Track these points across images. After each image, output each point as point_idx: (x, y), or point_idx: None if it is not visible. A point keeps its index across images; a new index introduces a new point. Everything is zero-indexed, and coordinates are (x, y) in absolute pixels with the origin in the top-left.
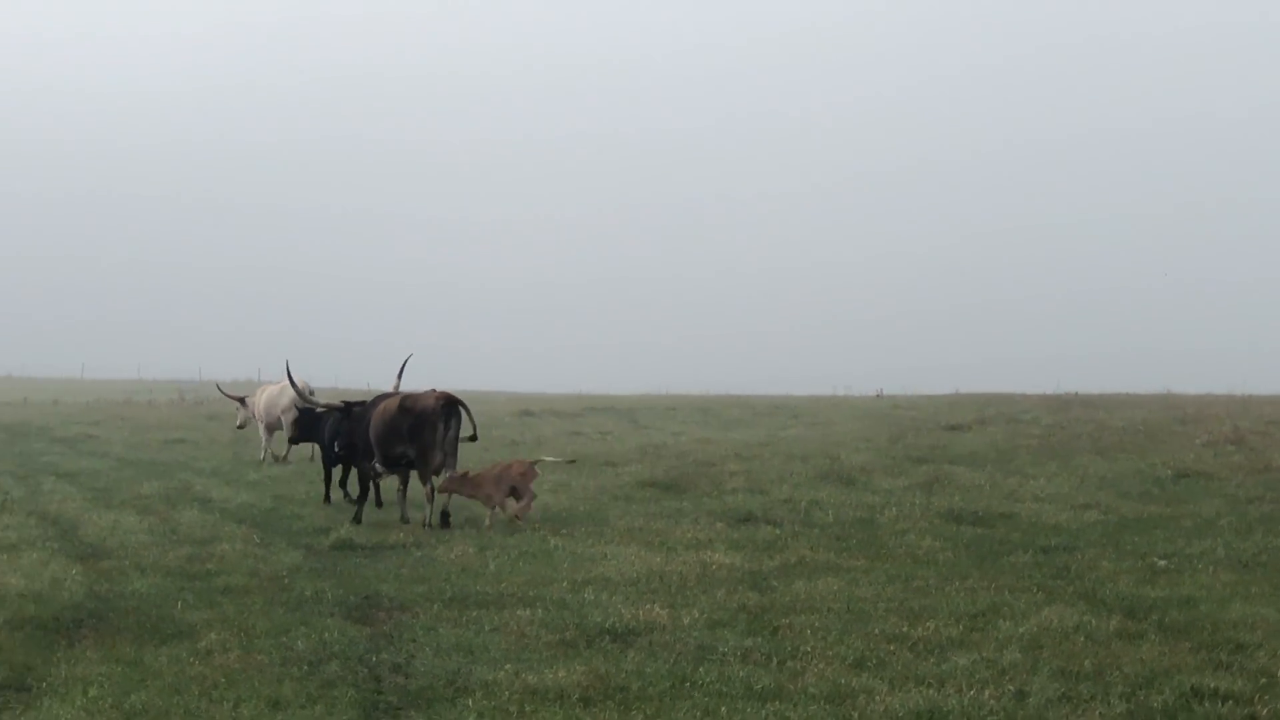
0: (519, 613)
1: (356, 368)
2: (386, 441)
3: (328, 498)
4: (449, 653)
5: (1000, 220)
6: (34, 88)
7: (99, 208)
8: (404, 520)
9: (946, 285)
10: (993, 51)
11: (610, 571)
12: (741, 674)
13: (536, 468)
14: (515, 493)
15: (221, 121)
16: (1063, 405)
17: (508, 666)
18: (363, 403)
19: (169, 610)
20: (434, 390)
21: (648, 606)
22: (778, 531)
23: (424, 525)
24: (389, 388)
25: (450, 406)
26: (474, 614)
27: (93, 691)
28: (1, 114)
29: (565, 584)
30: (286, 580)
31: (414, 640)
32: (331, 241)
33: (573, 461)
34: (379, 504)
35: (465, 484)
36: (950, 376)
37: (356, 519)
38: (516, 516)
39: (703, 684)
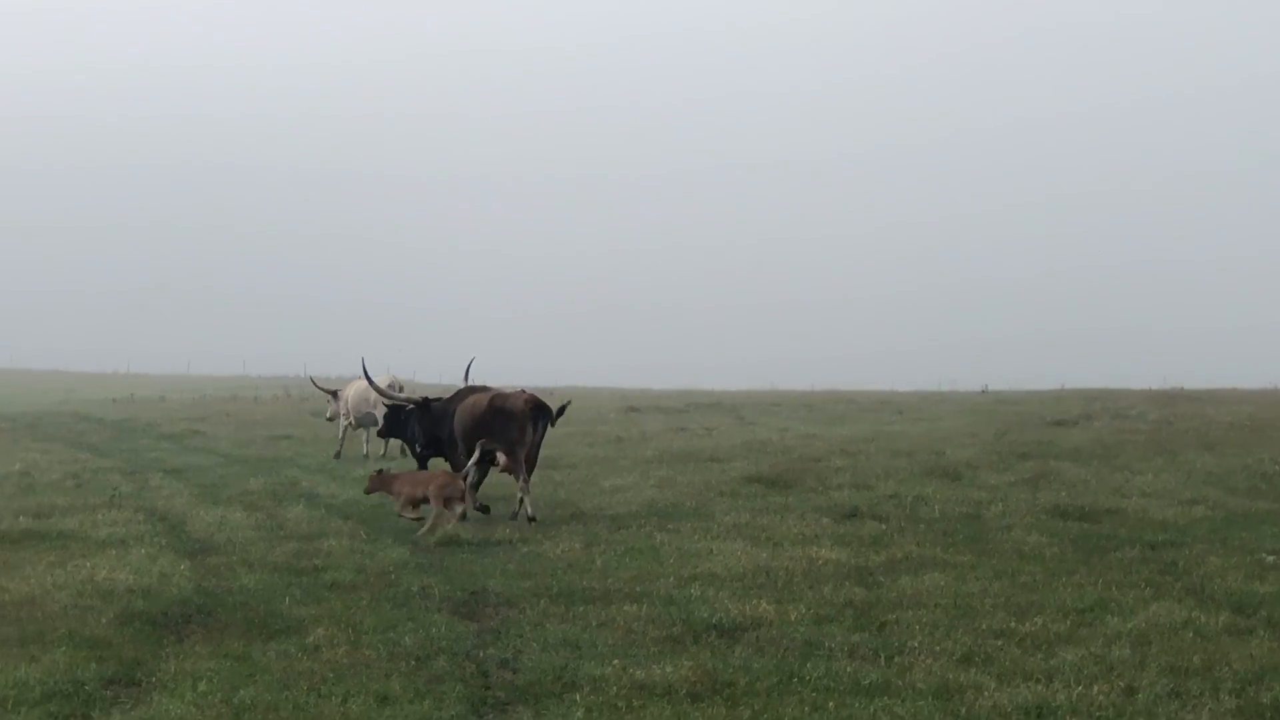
0: (626, 608)
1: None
2: (472, 438)
3: None
4: (556, 648)
5: (1107, 211)
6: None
7: (205, 208)
8: (479, 509)
9: (1050, 281)
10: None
11: (717, 567)
12: (849, 669)
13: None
14: (448, 503)
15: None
16: (1168, 400)
17: (615, 662)
18: (440, 398)
19: (276, 606)
20: (523, 391)
21: (754, 602)
22: (883, 527)
23: (510, 517)
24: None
25: (539, 409)
26: (581, 609)
27: (202, 686)
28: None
29: (672, 580)
30: (393, 576)
31: (521, 636)
32: (437, 239)
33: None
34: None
35: (382, 482)
36: (1055, 372)
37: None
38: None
39: (810, 679)
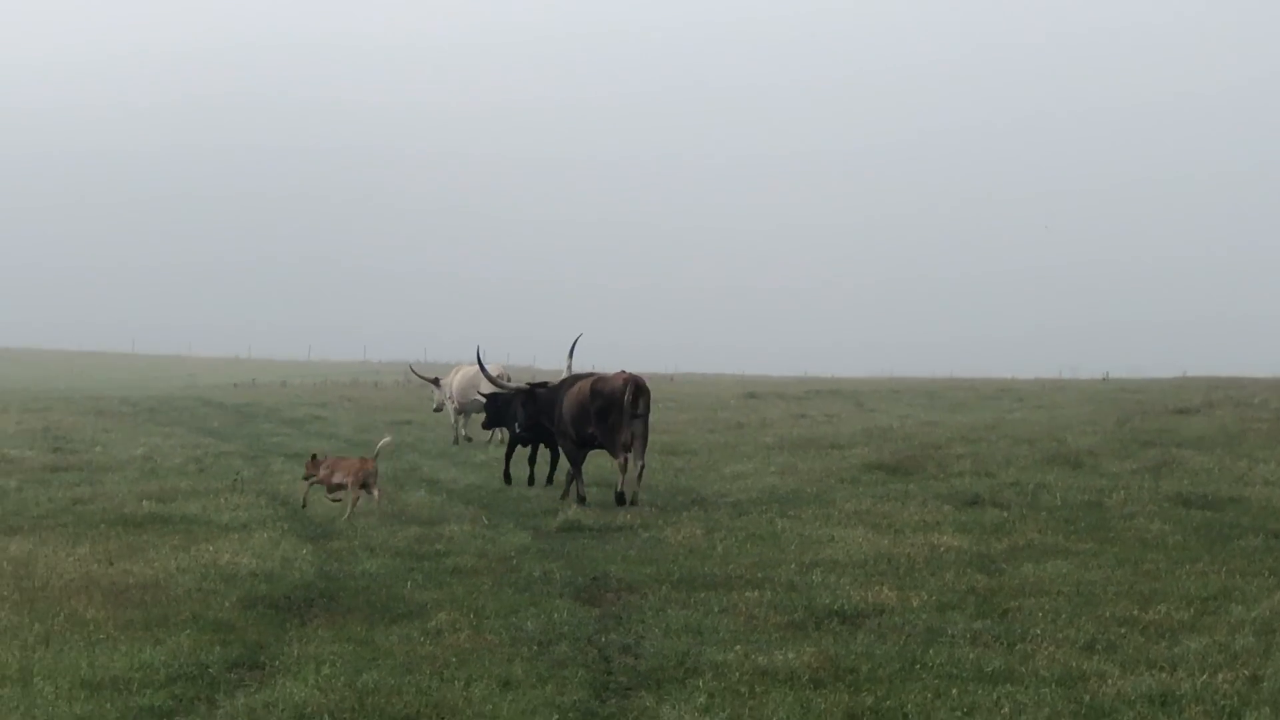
0: (747, 594)
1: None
2: (579, 421)
3: (507, 477)
4: (678, 634)
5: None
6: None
7: (348, 198)
8: (581, 499)
9: (1172, 268)
10: None
11: (838, 554)
12: (971, 656)
13: (377, 464)
14: (366, 486)
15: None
16: None
17: (737, 648)
18: (545, 384)
19: (399, 590)
20: (622, 372)
21: (876, 588)
22: (1005, 514)
23: (619, 499)
24: (563, 369)
25: (637, 389)
26: (702, 595)
27: (325, 670)
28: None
29: (793, 566)
30: (515, 561)
31: (643, 621)
32: (563, 229)
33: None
34: (548, 481)
35: (313, 467)
36: (1177, 359)
37: (566, 495)
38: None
39: (933, 666)
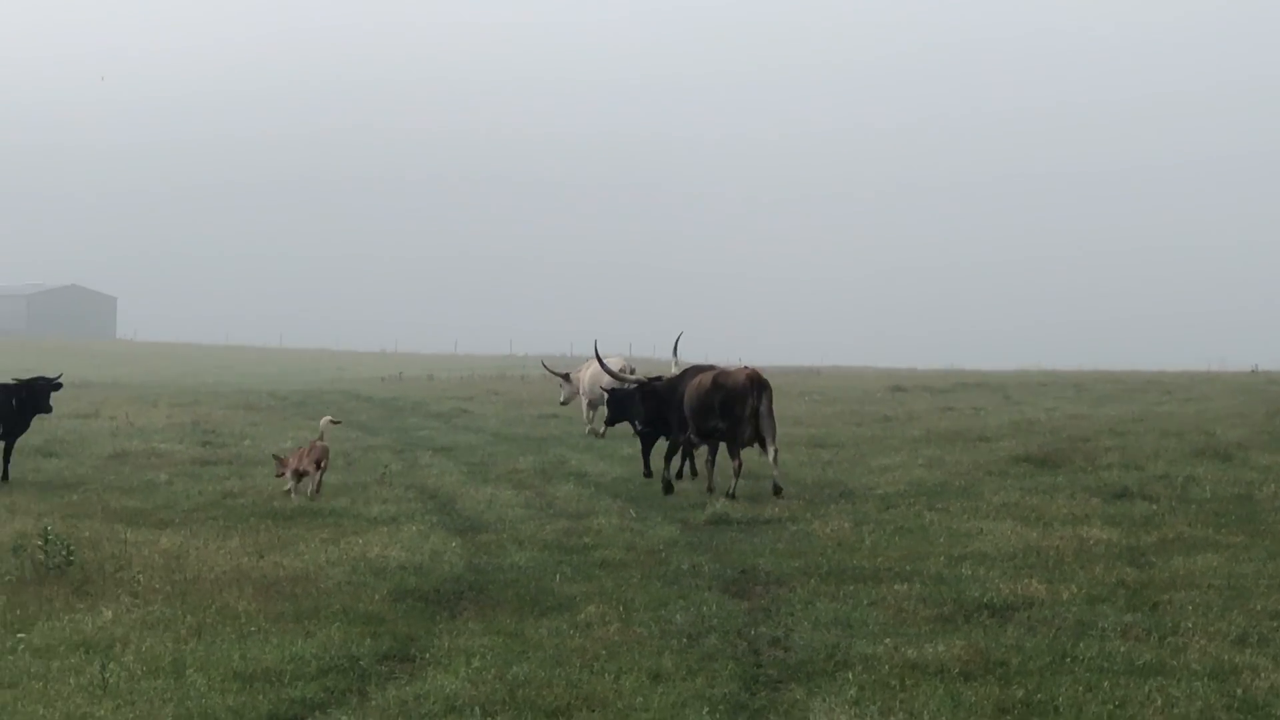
0: (896, 587)
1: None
2: (700, 415)
3: (647, 471)
4: (827, 627)
5: None
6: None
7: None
8: (710, 490)
9: None
10: None
11: (986, 546)
12: (1122, 649)
13: (325, 444)
14: (320, 465)
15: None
16: None
17: (887, 641)
18: (659, 378)
19: (547, 583)
20: (745, 368)
21: (1025, 581)
22: (1154, 507)
23: (728, 495)
24: (672, 364)
25: (760, 383)
26: (851, 588)
27: (476, 662)
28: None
29: (941, 559)
30: (663, 554)
31: (792, 614)
32: (698, 225)
33: (338, 422)
34: (693, 474)
35: (281, 466)
36: None
37: (710, 489)
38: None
39: (1083, 659)
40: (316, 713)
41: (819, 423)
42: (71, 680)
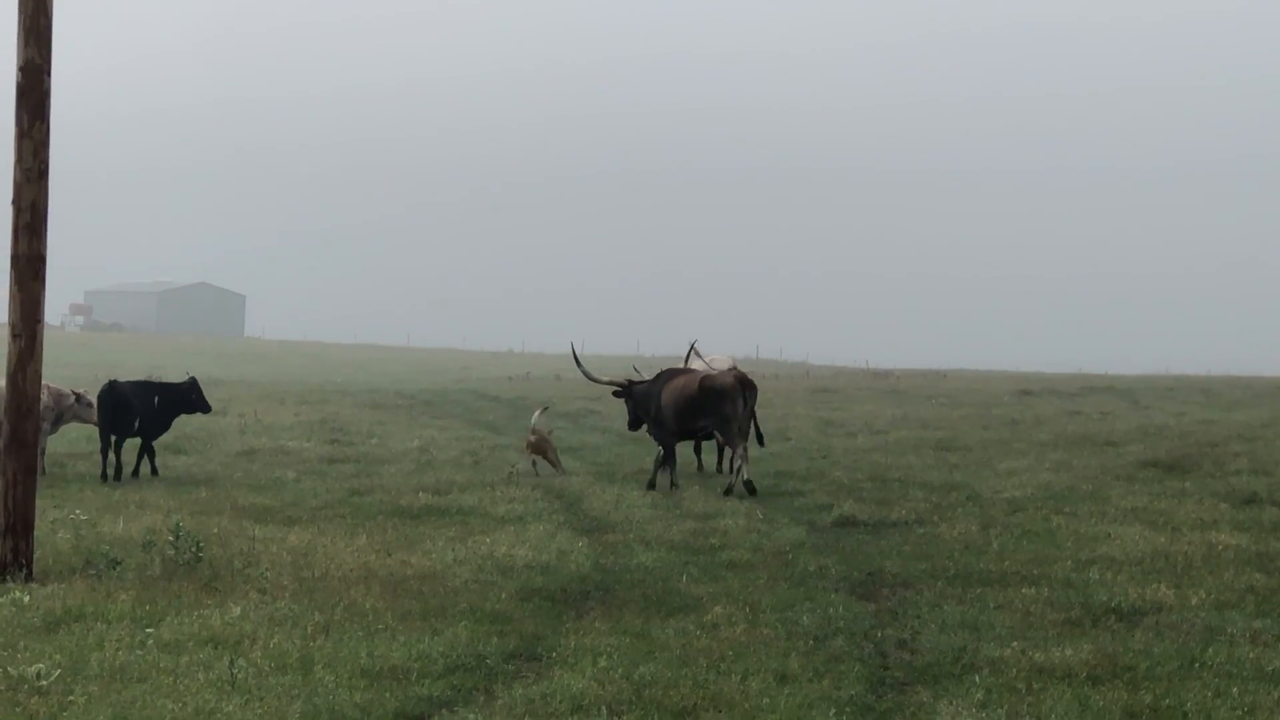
0: (1023, 591)
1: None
2: (685, 415)
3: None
4: (954, 630)
5: None
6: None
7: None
8: (661, 484)
9: None
10: None
11: (1114, 551)
12: (1251, 655)
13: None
14: None
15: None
16: None
17: (1014, 644)
18: (644, 381)
19: (674, 584)
20: (732, 369)
21: (1153, 586)
22: None
23: (727, 491)
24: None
25: (746, 385)
26: (978, 591)
27: (602, 662)
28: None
29: (1069, 563)
30: (789, 556)
31: (918, 617)
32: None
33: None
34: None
35: None
36: None
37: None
38: None
39: (1212, 664)
40: (443, 711)
41: (946, 426)
42: (200, 675)
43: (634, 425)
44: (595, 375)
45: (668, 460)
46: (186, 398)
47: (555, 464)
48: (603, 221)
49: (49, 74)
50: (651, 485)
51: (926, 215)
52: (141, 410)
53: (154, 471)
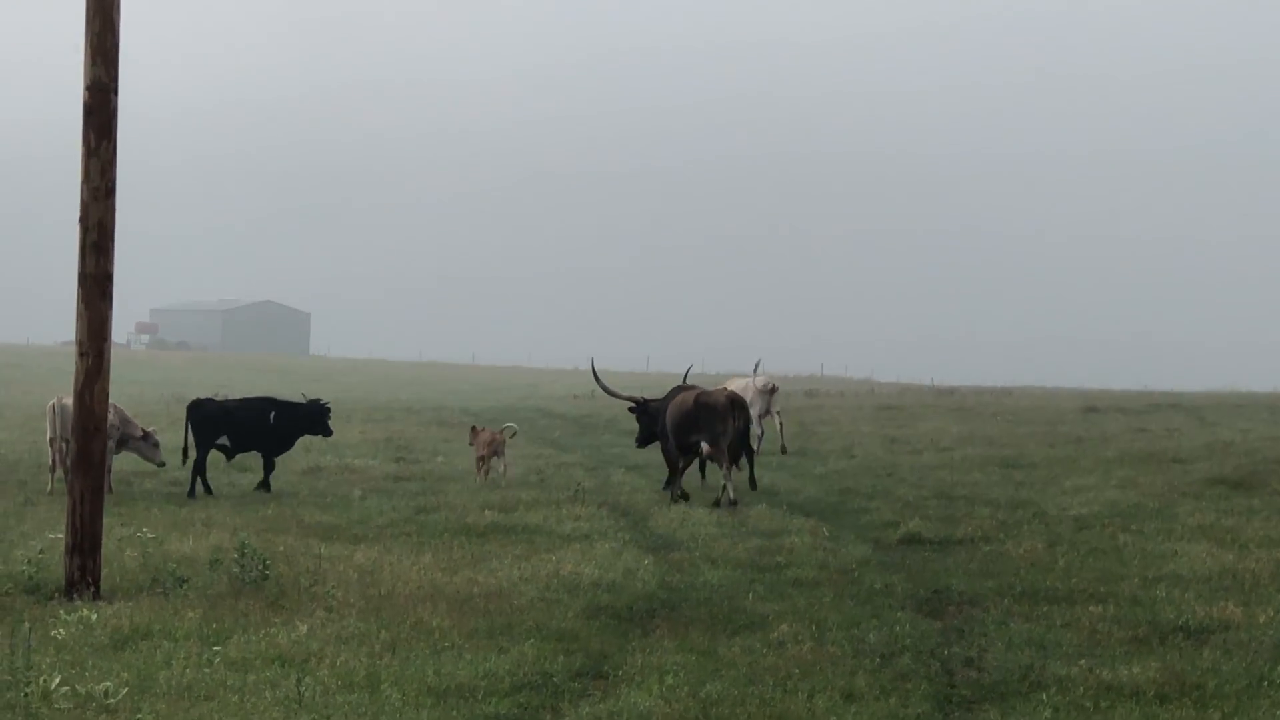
0: (1090, 609)
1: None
2: (682, 431)
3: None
4: (1021, 647)
5: None
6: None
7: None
8: (673, 499)
9: None
10: None
11: (1181, 569)
12: None
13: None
14: None
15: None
16: None
17: (1081, 662)
18: (655, 399)
19: (740, 601)
20: (724, 389)
21: (1221, 604)
22: None
23: (715, 504)
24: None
25: (736, 404)
26: (1044, 609)
27: (669, 680)
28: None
29: (1136, 580)
30: (855, 573)
31: (985, 635)
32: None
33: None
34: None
35: None
36: None
37: (672, 497)
38: None
39: None
40: None
41: (1012, 443)
42: (267, 694)
43: (642, 442)
44: (614, 391)
45: (673, 473)
46: (311, 418)
47: (488, 470)
48: (667, 234)
49: (116, 93)
50: (674, 499)
51: (989, 235)
52: (255, 426)
53: (267, 487)
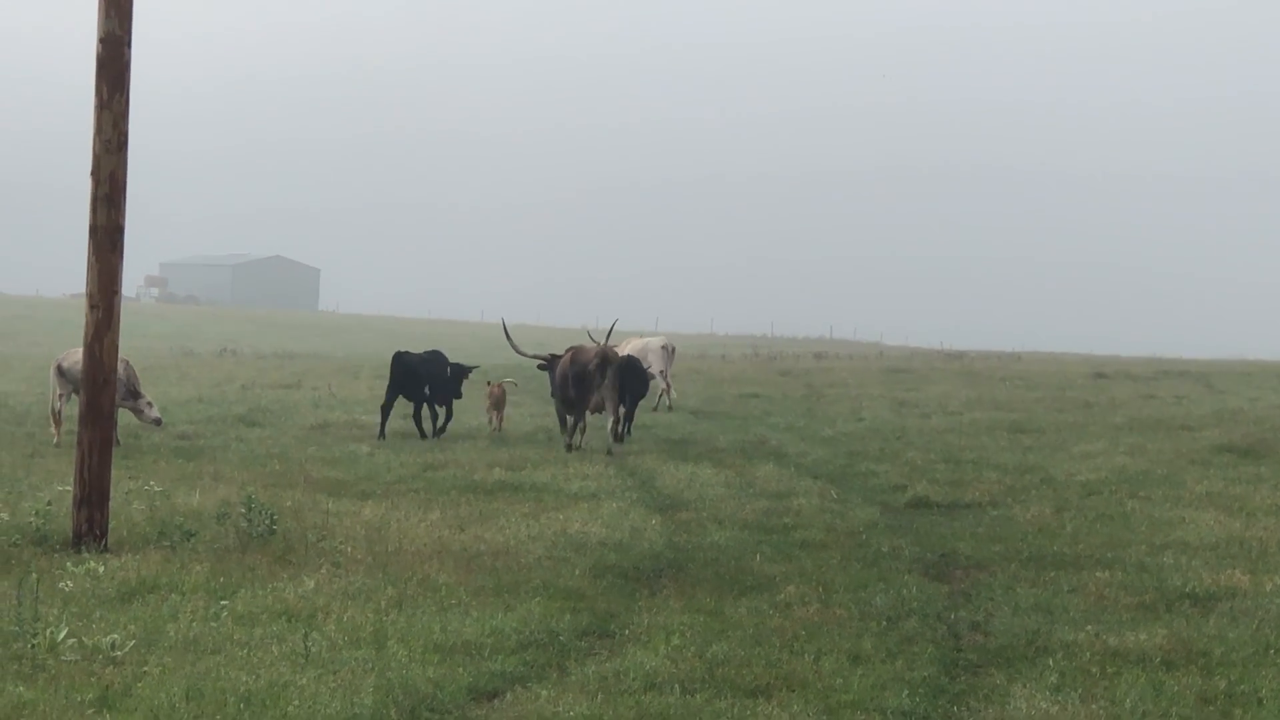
0: (1097, 574)
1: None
2: (563, 384)
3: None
4: (1028, 612)
5: None
6: None
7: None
8: (568, 447)
9: None
10: None
11: (1189, 536)
12: None
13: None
14: None
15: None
16: None
17: (1088, 628)
18: (558, 356)
19: (747, 562)
20: (597, 345)
21: (1228, 571)
22: None
23: (570, 448)
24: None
25: (605, 362)
26: (1051, 574)
27: (675, 640)
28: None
29: (1143, 547)
30: (863, 536)
31: (992, 599)
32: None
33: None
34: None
35: None
36: None
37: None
38: None
39: None
40: (516, 686)
41: (1020, 408)
42: (274, 648)
43: (554, 394)
44: (523, 349)
45: (562, 424)
46: (458, 378)
47: (500, 421)
48: (676, 200)
49: (129, 45)
50: (568, 448)
51: (997, 200)
52: (431, 378)
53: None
